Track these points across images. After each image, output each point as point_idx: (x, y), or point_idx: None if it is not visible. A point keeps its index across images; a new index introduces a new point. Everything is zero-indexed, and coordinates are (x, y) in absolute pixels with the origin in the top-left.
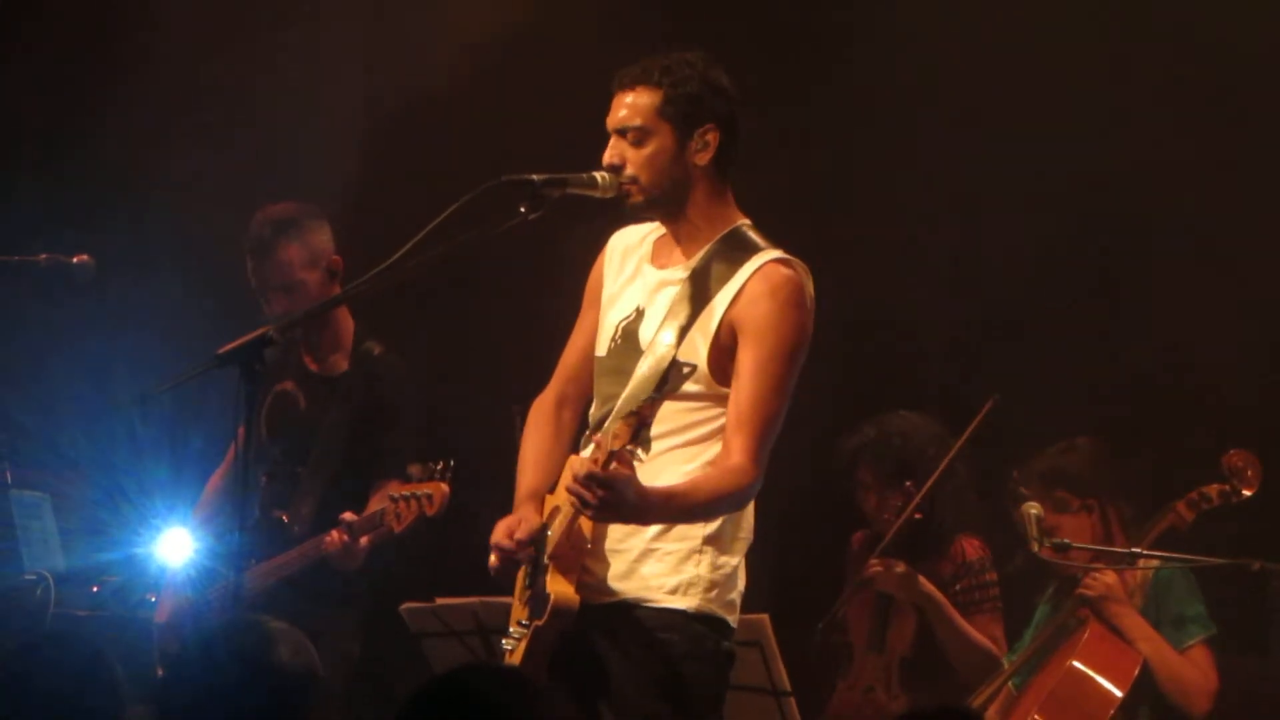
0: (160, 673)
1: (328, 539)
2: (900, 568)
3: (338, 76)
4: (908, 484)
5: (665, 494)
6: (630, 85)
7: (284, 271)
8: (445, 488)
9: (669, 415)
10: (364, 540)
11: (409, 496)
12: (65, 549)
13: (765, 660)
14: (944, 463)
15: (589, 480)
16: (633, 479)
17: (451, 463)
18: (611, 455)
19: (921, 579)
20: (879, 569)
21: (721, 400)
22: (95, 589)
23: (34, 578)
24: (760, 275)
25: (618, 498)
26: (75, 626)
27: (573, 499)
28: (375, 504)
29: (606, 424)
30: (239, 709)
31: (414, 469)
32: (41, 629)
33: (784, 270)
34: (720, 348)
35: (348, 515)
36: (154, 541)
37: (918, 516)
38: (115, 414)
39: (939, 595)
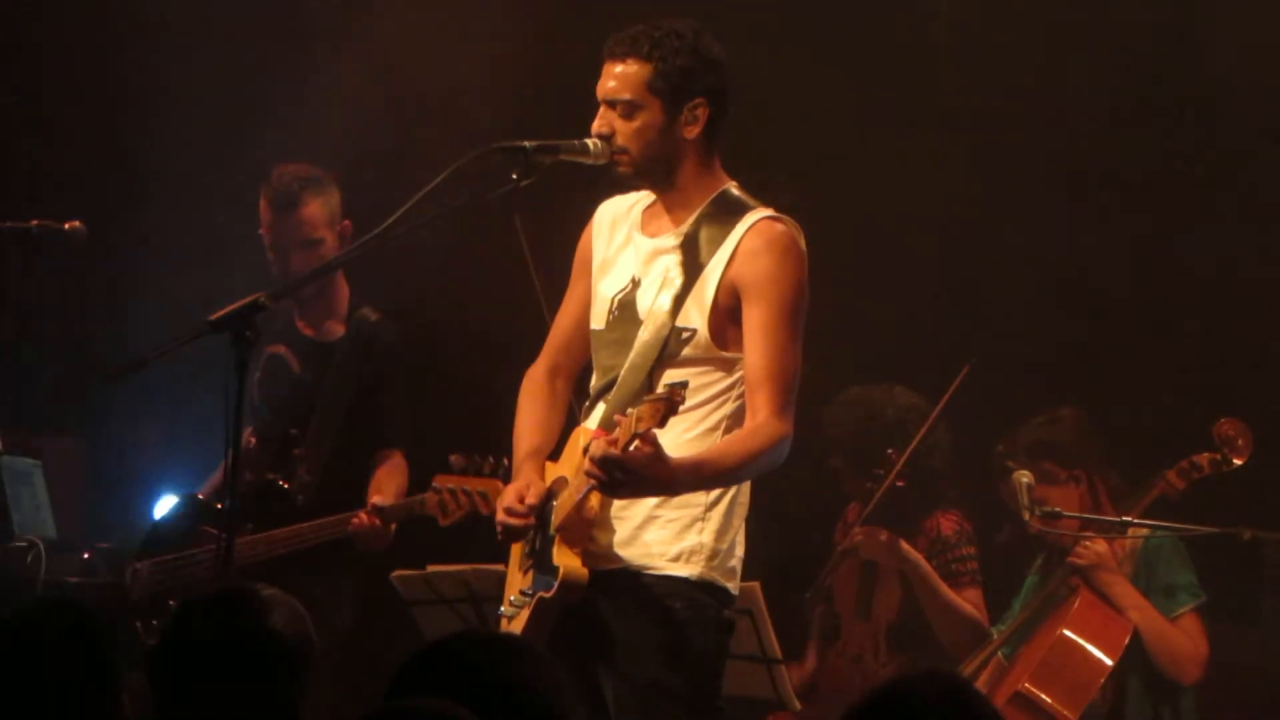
0: (147, 638)
1: (355, 520)
2: (883, 535)
3: (334, 44)
4: (889, 451)
5: (694, 464)
6: (621, 56)
7: (309, 227)
8: (501, 486)
9: (668, 380)
10: (393, 526)
11: (460, 491)
12: (57, 516)
13: (756, 628)
14: (922, 430)
15: (605, 463)
16: (656, 457)
17: (506, 460)
18: (635, 437)
19: (904, 544)
20: (861, 536)
21: (722, 364)
22: (86, 556)
23: (24, 545)
24: (754, 232)
25: (638, 478)
26: (65, 596)
27: (590, 479)
28: (386, 476)
29: (612, 397)
30: (232, 677)
31: (455, 459)
32: (32, 596)
33: (777, 226)
34: (720, 310)
35: (378, 499)
36: (148, 508)
37: (899, 484)
38: (108, 380)
39: (922, 561)
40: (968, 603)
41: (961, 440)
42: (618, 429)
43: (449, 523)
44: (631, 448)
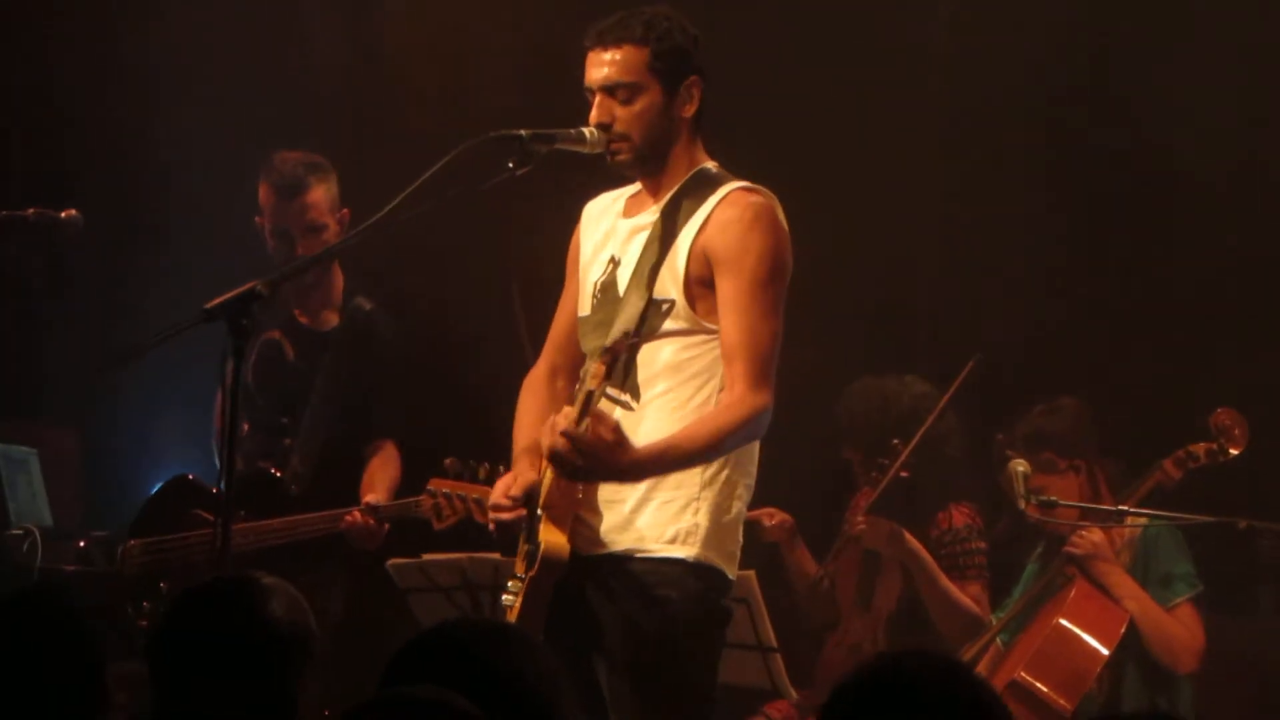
0: (144, 625)
1: (349, 517)
2: (886, 525)
3: (337, 32)
4: (895, 442)
5: (659, 451)
6: (613, 43)
7: (315, 212)
8: None
9: (656, 356)
10: (386, 525)
11: (455, 496)
12: (53, 504)
13: (752, 617)
14: (928, 421)
15: (563, 444)
16: (616, 445)
17: (501, 467)
18: (590, 396)
19: (908, 536)
20: (865, 526)
21: (707, 334)
22: (82, 544)
23: (21, 533)
24: (726, 202)
25: (596, 463)
26: (46, 583)
27: (549, 455)
28: (379, 468)
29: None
30: (231, 667)
31: (450, 463)
32: (22, 585)
33: (750, 196)
34: (693, 278)
35: (371, 498)
36: (143, 496)
37: (904, 475)
38: (104, 368)
39: (924, 553)
40: (971, 597)
41: (976, 437)
42: (576, 389)
43: (443, 527)
44: (585, 427)
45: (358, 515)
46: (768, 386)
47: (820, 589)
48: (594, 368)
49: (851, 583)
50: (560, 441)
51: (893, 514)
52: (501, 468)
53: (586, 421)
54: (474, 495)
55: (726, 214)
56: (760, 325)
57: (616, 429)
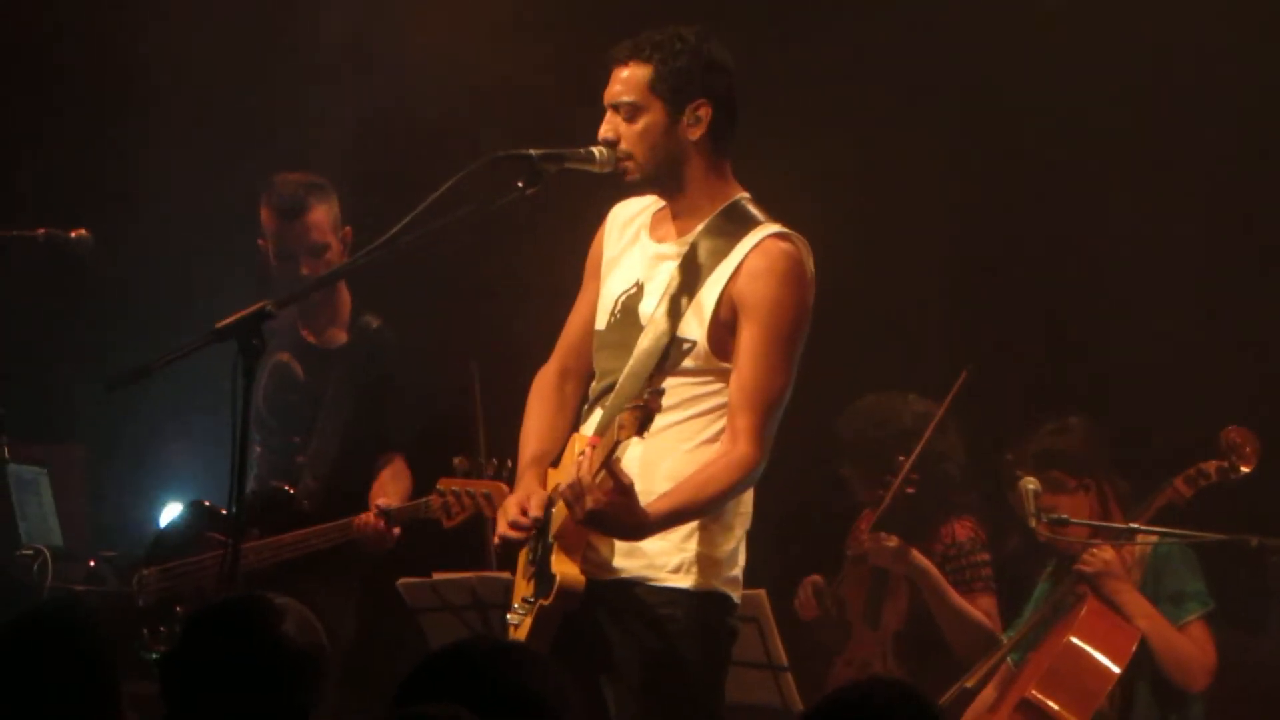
0: (154, 644)
1: (358, 522)
2: (893, 542)
3: (333, 49)
4: (900, 458)
5: (667, 514)
6: (624, 60)
7: (317, 232)
8: (506, 489)
9: (671, 391)
10: (397, 529)
11: (465, 493)
12: (62, 524)
13: (762, 636)
14: (925, 436)
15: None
16: (627, 508)
17: (510, 463)
18: (616, 445)
19: (915, 552)
20: (872, 543)
21: (722, 375)
22: (92, 564)
23: (31, 553)
24: (759, 251)
25: (607, 523)
26: (61, 599)
27: (564, 499)
28: (390, 480)
29: (610, 403)
30: (244, 688)
31: (459, 461)
32: (38, 604)
33: (782, 245)
34: (719, 323)
35: (383, 501)
36: (153, 516)
37: (910, 491)
38: (113, 387)
39: (932, 568)
40: (982, 610)
41: (974, 452)
42: (601, 439)
43: (453, 524)
44: (598, 479)
45: (369, 517)
46: (768, 441)
47: (828, 609)
48: (624, 418)
49: (859, 601)
50: (579, 497)
51: (896, 531)
52: (510, 462)
53: (602, 474)
54: (483, 490)
55: (758, 263)
56: (773, 378)
57: (628, 490)
